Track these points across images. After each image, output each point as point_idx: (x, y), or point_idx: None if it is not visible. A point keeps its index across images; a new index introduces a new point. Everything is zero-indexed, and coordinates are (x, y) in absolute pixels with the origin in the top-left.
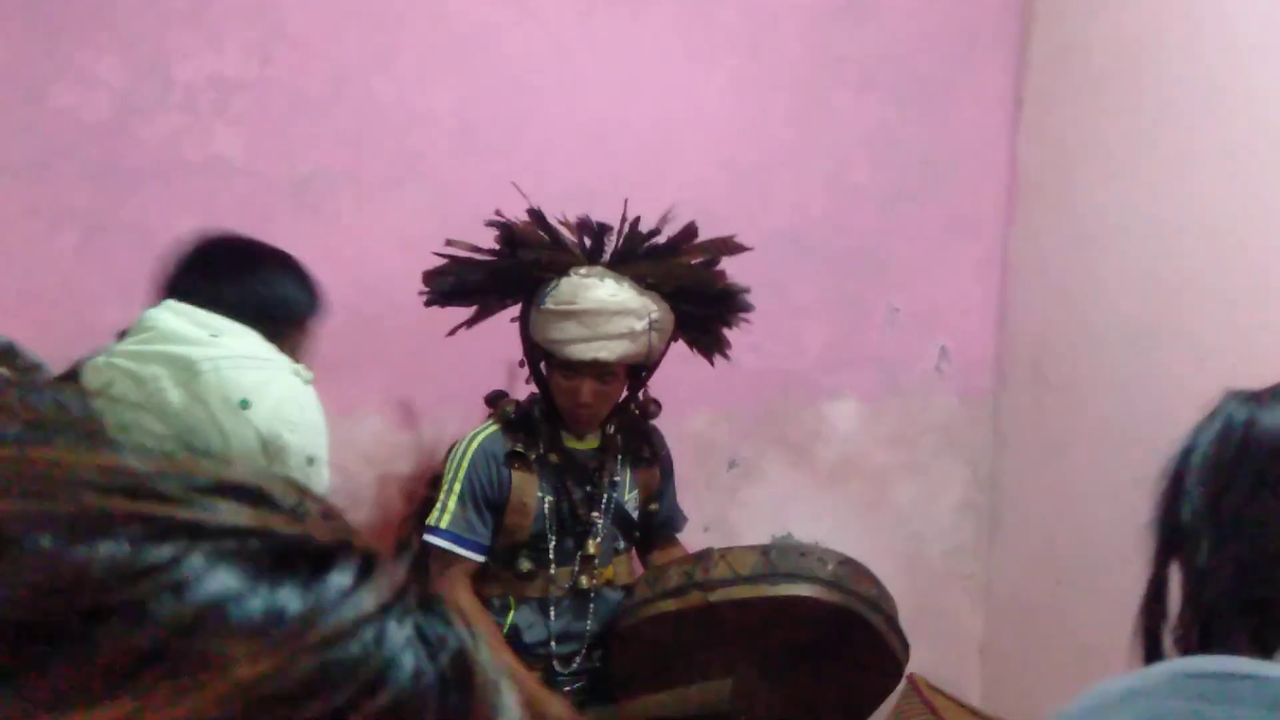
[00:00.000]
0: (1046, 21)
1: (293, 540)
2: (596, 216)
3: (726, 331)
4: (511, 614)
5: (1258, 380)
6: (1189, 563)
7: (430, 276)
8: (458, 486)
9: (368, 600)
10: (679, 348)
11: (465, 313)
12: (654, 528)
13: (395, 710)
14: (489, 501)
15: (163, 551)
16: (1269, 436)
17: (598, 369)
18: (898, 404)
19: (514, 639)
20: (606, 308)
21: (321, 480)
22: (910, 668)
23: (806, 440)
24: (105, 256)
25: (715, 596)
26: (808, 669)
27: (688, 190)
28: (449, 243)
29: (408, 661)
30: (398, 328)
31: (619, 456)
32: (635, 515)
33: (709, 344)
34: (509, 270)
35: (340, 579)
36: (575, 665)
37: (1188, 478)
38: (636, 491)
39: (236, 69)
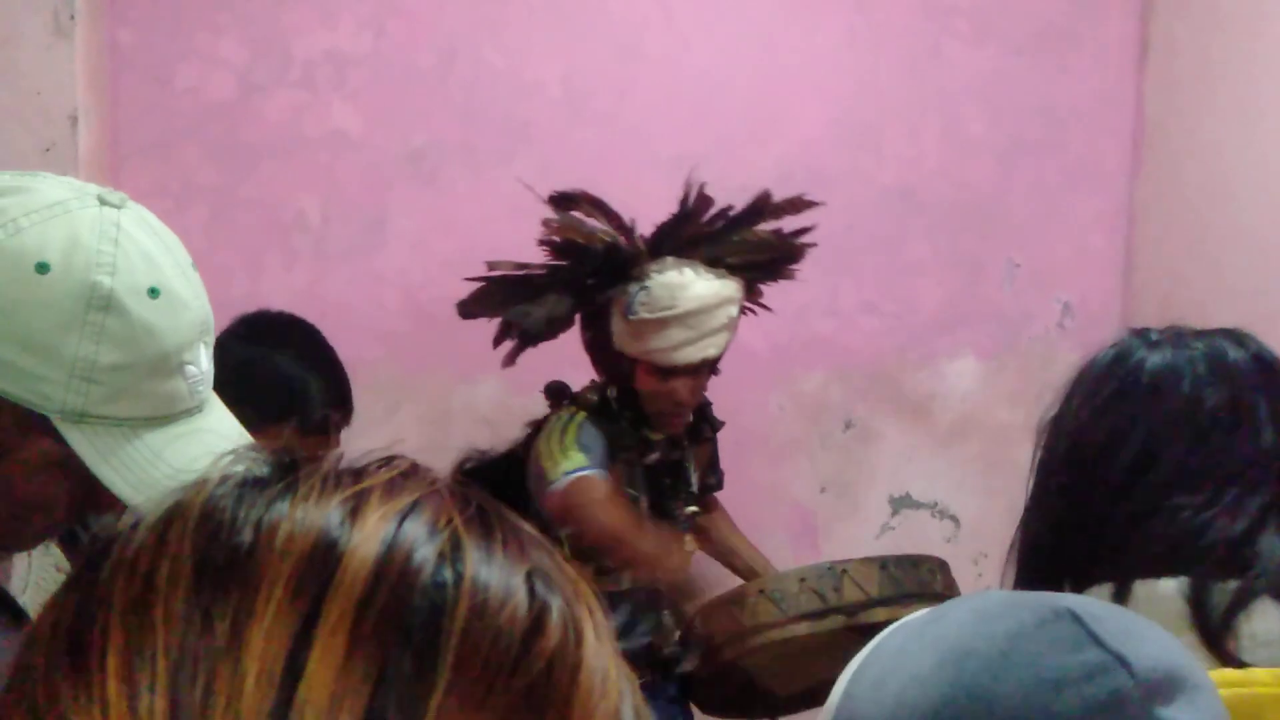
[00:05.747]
0: None
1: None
2: (705, 180)
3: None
4: None
5: None
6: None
7: (471, 303)
8: (575, 445)
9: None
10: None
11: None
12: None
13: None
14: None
15: None
16: (1151, 374)
17: (701, 366)
18: (1018, 361)
19: None
20: (707, 304)
21: (183, 304)
22: None
23: (923, 399)
24: (232, 231)
25: (855, 620)
26: None
27: (798, 149)
28: (491, 265)
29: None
30: None
31: (685, 440)
32: (697, 493)
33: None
34: (570, 282)
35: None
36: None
37: (1074, 399)
38: (698, 469)
39: (351, 44)
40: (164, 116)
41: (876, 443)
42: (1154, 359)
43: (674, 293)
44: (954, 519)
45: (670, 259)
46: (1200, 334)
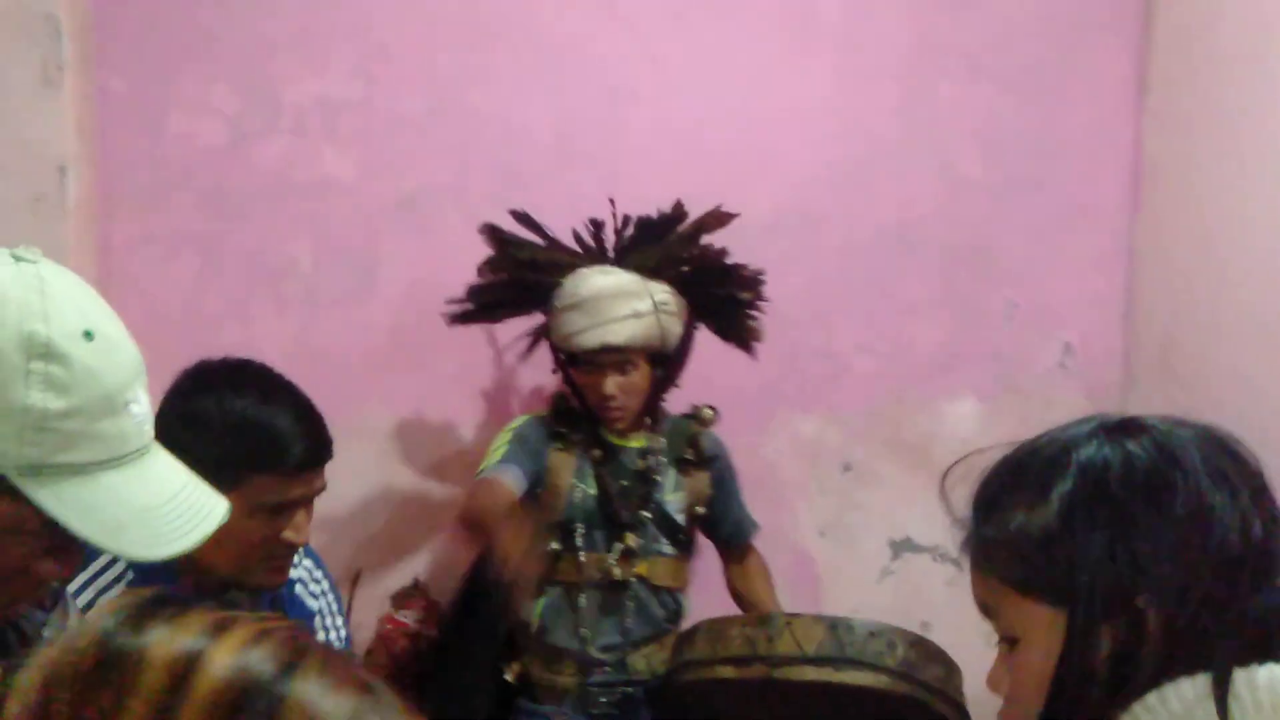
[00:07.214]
0: (1169, 0)
1: None
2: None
3: (756, 318)
4: (541, 601)
5: None
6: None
7: (453, 303)
8: (505, 441)
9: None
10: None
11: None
12: (719, 539)
13: None
14: (532, 459)
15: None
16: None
17: (612, 356)
18: (1018, 402)
19: (540, 637)
20: (605, 292)
21: (117, 344)
22: None
23: (922, 441)
24: (222, 279)
25: (778, 674)
26: None
27: (790, 190)
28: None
29: None
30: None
31: (661, 456)
32: (680, 519)
33: (737, 332)
34: (514, 280)
35: None
36: (609, 674)
37: (1128, 508)
38: (682, 494)
39: (341, 90)
40: (154, 165)
41: (875, 486)
42: (1193, 455)
43: (578, 284)
44: (955, 562)
45: (599, 263)
46: (1181, 423)
